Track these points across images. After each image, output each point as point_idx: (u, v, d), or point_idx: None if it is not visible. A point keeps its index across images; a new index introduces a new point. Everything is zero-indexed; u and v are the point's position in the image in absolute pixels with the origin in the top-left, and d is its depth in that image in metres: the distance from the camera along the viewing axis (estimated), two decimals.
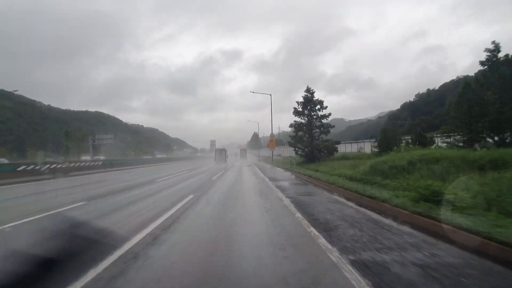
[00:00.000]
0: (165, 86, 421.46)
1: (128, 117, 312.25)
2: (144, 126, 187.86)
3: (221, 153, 43.37)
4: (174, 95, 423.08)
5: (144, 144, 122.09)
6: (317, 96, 24.52)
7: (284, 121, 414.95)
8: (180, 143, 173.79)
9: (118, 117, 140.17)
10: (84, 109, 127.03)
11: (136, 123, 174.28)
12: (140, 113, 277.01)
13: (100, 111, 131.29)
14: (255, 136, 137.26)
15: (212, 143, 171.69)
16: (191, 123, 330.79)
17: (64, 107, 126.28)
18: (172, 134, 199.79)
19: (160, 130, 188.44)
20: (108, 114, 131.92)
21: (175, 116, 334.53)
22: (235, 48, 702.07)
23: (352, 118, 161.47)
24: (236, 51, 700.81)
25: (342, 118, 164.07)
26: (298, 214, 5.96)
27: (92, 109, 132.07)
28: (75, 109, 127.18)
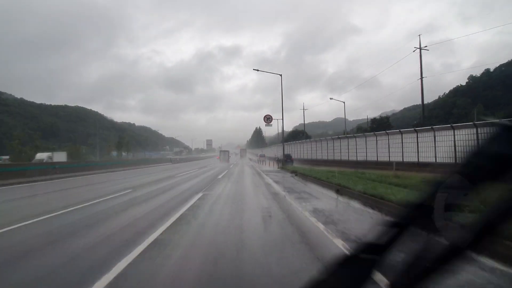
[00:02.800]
0: (161, 85, 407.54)
1: (121, 116, 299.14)
2: (136, 124, 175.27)
3: (225, 154, 54.09)
4: (171, 93, 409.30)
5: (129, 143, 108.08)
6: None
7: (285, 121, 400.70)
8: (175, 143, 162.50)
9: (102, 113, 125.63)
10: (63, 103, 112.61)
11: (127, 121, 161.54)
12: (134, 112, 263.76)
13: (83, 106, 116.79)
14: (257, 132, 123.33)
15: (208, 142, 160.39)
16: (188, 123, 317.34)
17: (46, 102, 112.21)
18: (168, 133, 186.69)
19: (153, 129, 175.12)
20: (90, 110, 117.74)
21: (172, 115, 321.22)
22: (235, 46, 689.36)
23: (353, 118, 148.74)
24: (235, 49, 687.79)
25: (346, 118, 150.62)
26: None
27: (82, 106, 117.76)
28: (53, 104, 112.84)
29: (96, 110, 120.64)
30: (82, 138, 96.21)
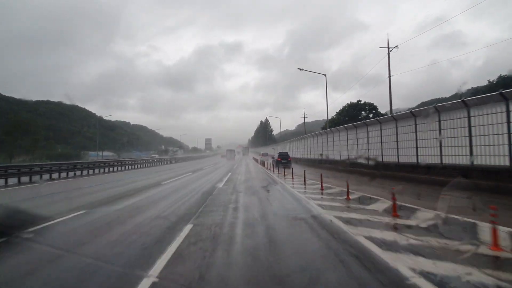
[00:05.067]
0: (161, 83, 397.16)
1: (121, 115, 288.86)
2: (131, 123, 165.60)
3: (231, 152, 63.49)
4: (171, 92, 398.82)
5: (115, 142, 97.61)
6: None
7: (287, 120, 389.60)
8: (173, 142, 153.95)
9: (90, 110, 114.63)
10: (45, 99, 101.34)
11: (123, 120, 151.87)
12: (133, 111, 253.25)
13: (67, 103, 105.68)
14: (263, 126, 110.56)
15: (207, 141, 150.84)
16: (189, 122, 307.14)
17: (27, 97, 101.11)
18: (168, 133, 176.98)
19: (150, 128, 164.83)
20: (76, 106, 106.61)
21: (172, 114, 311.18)
22: (237, 44, 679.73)
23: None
24: (237, 46, 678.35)
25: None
26: None
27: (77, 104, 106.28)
28: (34, 99, 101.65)
29: (78, 106, 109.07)
30: (63, 137, 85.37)
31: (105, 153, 61.35)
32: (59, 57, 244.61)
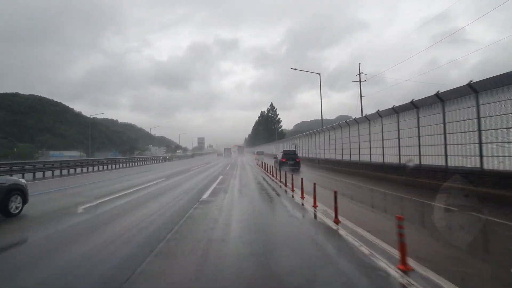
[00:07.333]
0: (156, 82, 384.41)
1: (116, 114, 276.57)
2: (119, 121, 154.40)
3: (228, 151, 70.94)
4: (166, 91, 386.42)
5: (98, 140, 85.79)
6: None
7: (284, 120, 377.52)
8: (165, 142, 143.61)
9: (67, 105, 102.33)
10: (14, 91, 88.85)
11: (111, 118, 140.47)
12: (124, 110, 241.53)
13: (40, 95, 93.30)
14: (265, 119, 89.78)
15: (200, 140, 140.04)
16: (183, 122, 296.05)
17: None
18: (162, 133, 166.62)
19: (139, 126, 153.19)
20: (51, 100, 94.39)
21: (165, 113, 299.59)
22: (233, 41, 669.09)
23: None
24: (234, 45, 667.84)
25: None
26: None
27: (38, 95, 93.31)
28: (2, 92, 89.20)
29: (59, 101, 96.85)
30: (31, 134, 73.44)
31: (71, 153, 49.62)
32: (43, 52, 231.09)
